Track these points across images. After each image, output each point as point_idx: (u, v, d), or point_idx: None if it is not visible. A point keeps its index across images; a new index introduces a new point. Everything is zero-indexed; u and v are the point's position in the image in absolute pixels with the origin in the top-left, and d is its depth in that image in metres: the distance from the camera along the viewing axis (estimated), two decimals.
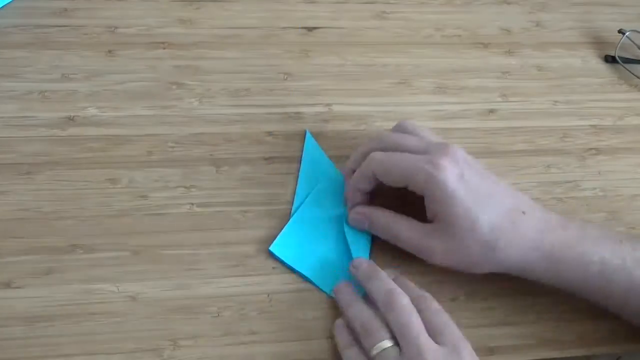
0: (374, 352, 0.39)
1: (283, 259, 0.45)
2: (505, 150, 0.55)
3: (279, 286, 0.45)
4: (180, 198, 0.48)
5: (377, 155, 0.44)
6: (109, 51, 0.56)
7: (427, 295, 0.42)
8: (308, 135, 0.52)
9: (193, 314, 0.43)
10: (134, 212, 0.47)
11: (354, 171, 0.46)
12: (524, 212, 0.42)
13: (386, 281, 0.42)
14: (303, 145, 0.51)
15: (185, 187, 0.49)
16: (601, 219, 0.52)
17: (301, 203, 0.48)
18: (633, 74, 0.62)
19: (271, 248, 0.45)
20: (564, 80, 0.60)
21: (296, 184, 0.49)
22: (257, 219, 0.48)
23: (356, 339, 0.41)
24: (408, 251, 0.45)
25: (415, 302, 0.41)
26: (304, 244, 0.46)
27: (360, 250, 0.46)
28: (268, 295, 0.44)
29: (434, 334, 0.39)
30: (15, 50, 0.55)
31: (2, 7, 0.57)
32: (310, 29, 0.61)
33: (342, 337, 0.41)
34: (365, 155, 0.45)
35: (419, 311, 0.40)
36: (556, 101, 0.59)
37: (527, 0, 0.67)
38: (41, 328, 0.42)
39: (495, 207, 0.42)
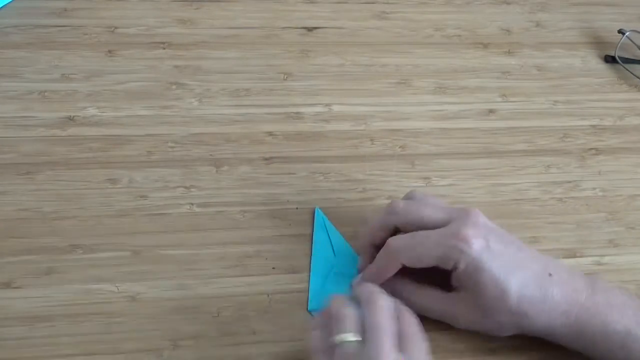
0: (337, 340, 0.38)
1: None
2: (505, 150, 0.55)
3: (279, 286, 0.45)
4: (180, 198, 0.48)
5: (399, 242, 0.42)
6: (109, 51, 0.56)
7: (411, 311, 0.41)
8: (318, 212, 0.49)
9: (193, 314, 0.43)
10: (134, 212, 0.47)
11: (371, 245, 0.45)
12: (550, 275, 0.41)
13: (375, 287, 0.41)
14: (313, 223, 0.48)
15: (185, 187, 0.49)
16: (601, 219, 0.52)
17: (317, 287, 0.46)
18: (633, 74, 0.62)
19: (310, 308, 0.44)
20: (564, 80, 0.60)
21: (309, 261, 0.47)
22: (257, 219, 0.48)
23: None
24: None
25: (396, 311, 0.40)
26: None
27: None
28: (268, 296, 0.44)
29: (402, 343, 0.38)
30: (15, 50, 0.55)
31: (2, 7, 0.57)
32: (310, 29, 0.61)
33: (317, 320, 0.41)
34: (382, 229, 0.44)
35: (397, 319, 0.39)
36: (556, 101, 0.59)
37: (527, 0, 0.67)
38: (41, 328, 0.42)
39: (523, 275, 0.41)
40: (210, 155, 0.51)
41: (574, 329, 0.41)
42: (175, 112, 0.53)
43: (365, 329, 0.39)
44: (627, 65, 0.62)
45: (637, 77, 0.61)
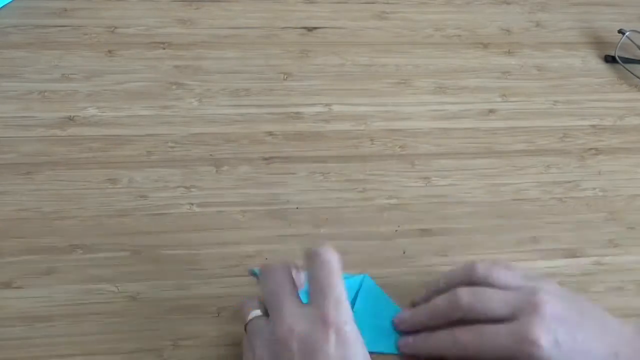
0: (247, 320, 0.39)
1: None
2: (505, 150, 0.55)
3: None
4: (180, 198, 0.48)
5: (465, 337, 0.41)
6: (109, 51, 0.56)
7: (326, 248, 0.39)
8: (367, 278, 0.46)
9: (193, 314, 0.43)
10: (134, 212, 0.47)
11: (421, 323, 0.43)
12: (617, 354, 0.40)
13: (269, 262, 0.41)
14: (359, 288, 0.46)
15: (185, 187, 0.49)
16: (601, 219, 0.52)
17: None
18: (633, 74, 0.62)
19: None
20: (564, 80, 0.60)
21: None
22: (257, 219, 0.48)
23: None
24: None
25: (309, 254, 0.39)
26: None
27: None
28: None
29: (311, 293, 0.38)
30: (15, 50, 0.55)
31: (2, 7, 0.57)
32: (310, 29, 0.61)
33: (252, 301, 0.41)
34: (442, 318, 0.42)
35: (308, 266, 0.38)
36: (556, 101, 0.59)
37: (527, 0, 0.67)
38: (41, 328, 0.42)
39: None
40: (210, 155, 0.51)
41: None
42: (175, 112, 0.53)
43: (265, 300, 0.39)
44: (627, 65, 0.62)
45: (637, 77, 0.61)
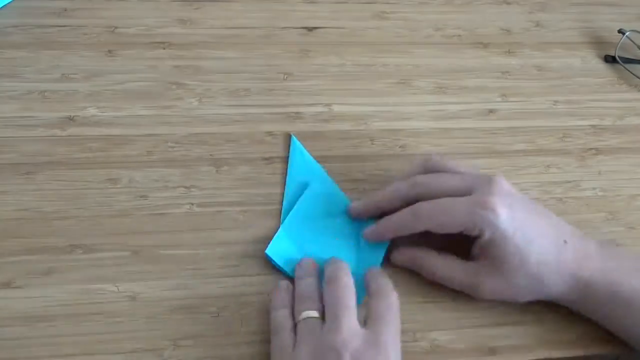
0: (300, 317, 0.40)
1: (278, 263, 0.45)
2: (505, 150, 0.55)
3: None
4: (180, 198, 0.48)
5: (427, 207, 0.43)
6: (109, 51, 0.56)
7: (390, 288, 0.42)
8: (294, 139, 0.52)
9: (193, 314, 0.43)
10: (134, 212, 0.47)
11: (378, 207, 0.46)
12: (565, 242, 0.43)
13: (340, 264, 0.42)
14: (289, 150, 0.51)
15: (185, 187, 0.49)
16: (601, 219, 0.52)
17: (291, 207, 0.48)
18: (633, 74, 0.62)
19: (267, 251, 0.45)
20: (564, 80, 0.60)
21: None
22: (257, 219, 0.48)
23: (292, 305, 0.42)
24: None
25: (374, 289, 0.41)
26: (297, 248, 0.46)
27: (372, 259, 0.46)
28: (268, 295, 0.44)
29: (369, 319, 0.39)
30: (15, 50, 0.55)
31: (2, 7, 0.57)
32: (310, 29, 0.61)
33: (279, 297, 0.42)
34: (400, 200, 0.45)
35: (370, 297, 0.41)
36: (556, 101, 0.59)
37: (527, 0, 0.67)
38: (41, 328, 0.42)
39: (541, 242, 0.42)
40: (210, 155, 0.51)
41: (585, 293, 0.42)
42: (175, 112, 0.53)
43: (326, 305, 0.40)
44: (627, 65, 0.62)
45: (637, 77, 0.61)
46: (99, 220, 0.46)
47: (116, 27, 0.58)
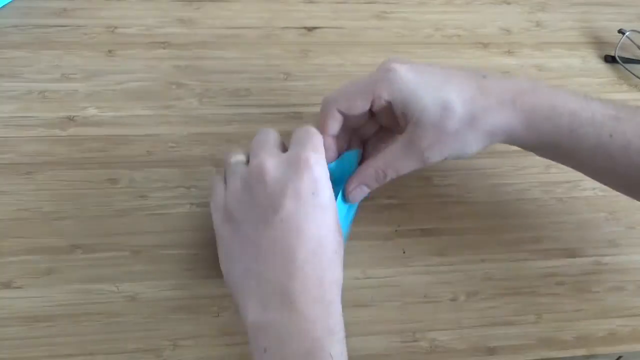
0: (231, 162, 0.41)
1: None
2: (505, 150, 0.55)
3: None
4: (180, 198, 0.48)
5: (332, 92, 0.43)
6: (109, 51, 0.56)
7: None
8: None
9: (193, 314, 0.43)
10: (134, 212, 0.47)
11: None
12: (484, 77, 0.42)
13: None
14: None
15: (185, 187, 0.49)
16: (601, 219, 0.52)
17: None
18: (633, 74, 0.62)
19: None
20: (564, 80, 0.60)
21: None
22: None
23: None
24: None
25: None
26: None
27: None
28: None
29: (293, 143, 0.40)
30: (15, 50, 0.55)
31: (2, 7, 0.57)
32: (310, 29, 0.61)
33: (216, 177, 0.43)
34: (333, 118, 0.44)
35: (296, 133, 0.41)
36: None
37: (527, 0, 0.67)
38: (41, 328, 0.42)
39: (456, 82, 0.41)
40: (211, 155, 0.51)
41: (524, 119, 0.41)
42: (175, 112, 0.53)
43: (250, 149, 0.41)
44: (627, 65, 0.62)
45: (637, 77, 0.61)
46: (99, 220, 0.46)
47: (116, 27, 0.58)
